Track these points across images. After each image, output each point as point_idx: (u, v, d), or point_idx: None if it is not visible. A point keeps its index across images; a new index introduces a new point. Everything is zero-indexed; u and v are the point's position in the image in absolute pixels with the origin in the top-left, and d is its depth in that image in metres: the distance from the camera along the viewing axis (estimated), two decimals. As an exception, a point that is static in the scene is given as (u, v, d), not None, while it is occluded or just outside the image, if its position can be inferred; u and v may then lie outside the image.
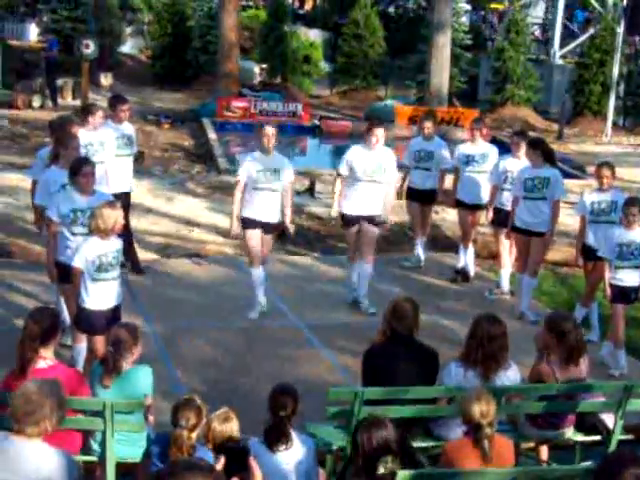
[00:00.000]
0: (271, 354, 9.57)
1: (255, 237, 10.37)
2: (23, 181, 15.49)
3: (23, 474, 4.88)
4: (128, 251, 11.34)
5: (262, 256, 10.52)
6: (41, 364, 6.40)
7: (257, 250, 10.41)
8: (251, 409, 7.21)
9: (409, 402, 6.57)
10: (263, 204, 10.30)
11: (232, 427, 5.92)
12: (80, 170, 8.43)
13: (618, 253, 9.43)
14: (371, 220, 10.81)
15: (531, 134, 15.11)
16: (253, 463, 5.82)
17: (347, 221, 10.94)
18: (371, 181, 10.70)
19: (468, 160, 11.96)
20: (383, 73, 32.17)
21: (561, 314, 7.74)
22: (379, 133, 10.71)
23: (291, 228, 10.80)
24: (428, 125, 12.40)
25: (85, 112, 10.95)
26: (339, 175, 10.94)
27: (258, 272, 10.49)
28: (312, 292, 11.62)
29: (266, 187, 10.25)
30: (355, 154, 10.79)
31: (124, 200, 10.66)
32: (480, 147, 12.03)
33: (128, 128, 11.47)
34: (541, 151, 10.73)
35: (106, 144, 10.84)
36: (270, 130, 10.26)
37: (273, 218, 10.42)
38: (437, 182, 12.46)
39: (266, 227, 10.41)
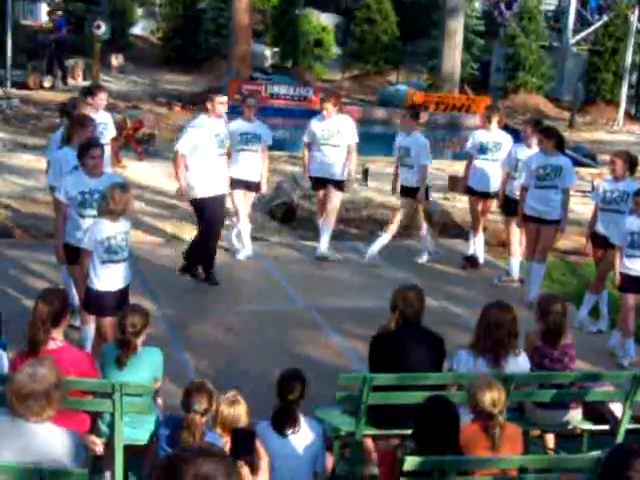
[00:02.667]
0: (280, 338, 9.58)
1: (239, 196, 11.72)
2: (35, 162, 15.54)
3: (32, 455, 4.89)
4: (207, 259, 11.05)
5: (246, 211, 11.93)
6: (51, 345, 6.41)
7: (242, 206, 11.77)
8: (260, 393, 7.22)
9: (418, 388, 6.57)
10: (246, 163, 11.64)
11: (240, 410, 5.92)
12: (88, 152, 8.41)
13: (630, 242, 9.41)
14: (337, 184, 12.10)
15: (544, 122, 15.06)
16: (259, 446, 5.83)
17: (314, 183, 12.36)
18: (330, 145, 11.97)
19: (482, 147, 11.91)
20: (395, 58, 32.07)
21: (553, 296, 7.79)
22: (328, 105, 11.96)
23: (264, 187, 12.06)
24: (403, 120, 12.35)
25: (86, 93, 10.92)
26: (305, 144, 12.29)
27: (245, 223, 11.83)
28: (321, 277, 11.62)
29: (248, 148, 11.63)
30: (314, 124, 12.12)
31: (222, 201, 10.97)
32: (494, 135, 11.98)
33: (224, 125, 11.05)
34: (555, 139, 10.70)
35: (109, 125, 10.85)
36: (252, 102, 11.92)
37: (255, 177, 11.76)
38: (419, 178, 12.03)
39: (249, 185, 11.77)
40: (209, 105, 10.72)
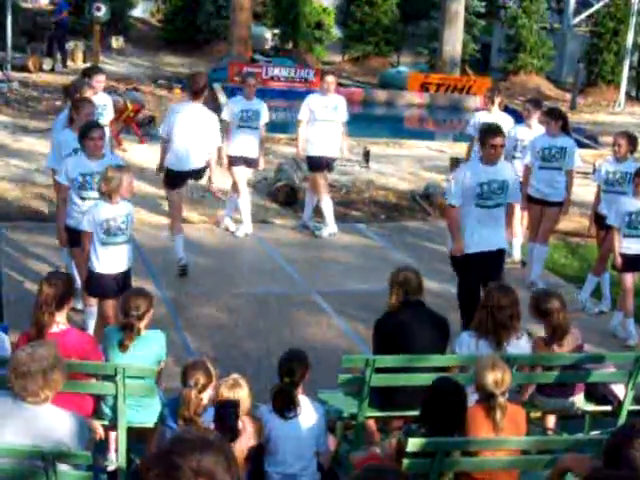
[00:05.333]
0: (283, 321, 9.57)
1: (239, 172, 11.98)
2: (35, 144, 15.52)
3: (34, 436, 4.91)
4: None
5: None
6: (54, 328, 6.41)
7: (243, 182, 12.07)
8: (262, 375, 7.23)
9: (421, 370, 6.58)
10: (245, 140, 11.90)
11: (240, 394, 5.89)
12: (88, 134, 8.41)
13: (628, 222, 9.41)
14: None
15: (545, 103, 15.03)
16: (245, 419, 5.76)
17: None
18: (328, 121, 12.07)
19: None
20: (396, 40, 31.92)
21: (547, 292, 7.63)
22: (330, 79, 12.29)
23: (262, 164, 12.30)
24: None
25: (84, 75, 10.87)
26: (300, 121, 12.34)
27: (246, 199, 12.08)
28: (323, 259, 11.61)
29: (247, 125, 11.89)
30: (313, 100, 12.23)
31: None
32: (496, 117, 11.92)
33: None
34: (561, 121, 10.68)
35: (108, 107, 10.81)
36: (252, 81, 12.12)
37: (253, 153, 11.99)
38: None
39: (248, 162, 11.99)
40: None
